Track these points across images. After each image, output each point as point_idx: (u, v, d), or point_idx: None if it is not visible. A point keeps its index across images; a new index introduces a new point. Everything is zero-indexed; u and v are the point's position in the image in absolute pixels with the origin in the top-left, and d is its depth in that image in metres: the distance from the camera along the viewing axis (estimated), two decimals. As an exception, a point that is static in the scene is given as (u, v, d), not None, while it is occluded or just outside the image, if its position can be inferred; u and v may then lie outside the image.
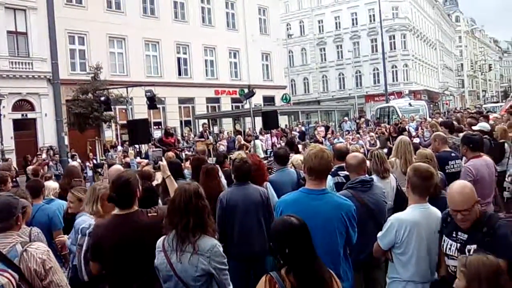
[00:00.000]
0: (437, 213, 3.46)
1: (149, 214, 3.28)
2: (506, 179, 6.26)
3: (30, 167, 11.39)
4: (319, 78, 55.71)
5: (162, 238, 2.97)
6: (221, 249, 2.93)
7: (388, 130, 15.68)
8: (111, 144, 22.26)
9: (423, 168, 3.46)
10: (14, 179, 12.48)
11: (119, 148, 20.16)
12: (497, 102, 51.89)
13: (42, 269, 2.78)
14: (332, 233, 3.20)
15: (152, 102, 17.26)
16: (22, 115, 23.09)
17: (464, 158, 5.80)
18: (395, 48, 50.89)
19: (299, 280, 2.36)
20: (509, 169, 6.28)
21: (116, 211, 3.30)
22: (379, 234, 3.50)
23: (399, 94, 42.85)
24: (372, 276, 4.23)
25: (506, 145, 7.54)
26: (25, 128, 23.24)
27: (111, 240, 3.18)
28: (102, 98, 18.47)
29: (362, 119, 29.39)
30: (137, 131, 12.15)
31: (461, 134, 7.00)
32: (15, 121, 22.61)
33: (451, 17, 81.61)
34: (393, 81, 49.68)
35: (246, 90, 21.03)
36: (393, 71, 50.58)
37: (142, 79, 25.86)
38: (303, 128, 26.08)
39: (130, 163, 8.22)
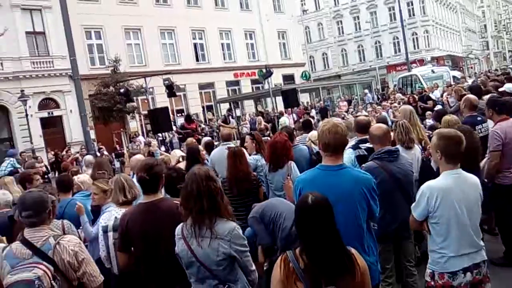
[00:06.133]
0: (473, 178, 3.33)
1: (174, 201, 3.29)
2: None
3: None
4: (338, 52, 54.78)
5: (180, 225, 2.97)
6: (240, 231, 2.92)
7: (408, 99, 15.34)
8: (134, 134, 22.62)
9: (452, 134, 3.32)
10: (45, 176, 12.86)
11: (139, 138, 20.47)
12: (526, 61, 50.02)
13: (75, 261, 2.86)
14: (353, 208, 3.13)
15: (171, 90, 17.39)
16: (49, 113, 23.74)
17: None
18: (414, 15, 49.46)
19: (311, 259, 2.31)
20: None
21: (142, 199, 3.36)
22: (412, 205, 3.42)
23: (421, 62, 41.82)
24: (402, 248, 4.20)
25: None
26: (52, 126, 23.93)
27: (138, 229, 3.23)
28: (122, 90, 18.77)
29: (396, 88, 28.82)
30: (159, 120, 12.28)
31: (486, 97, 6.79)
32: (42, 120, 23.32)
33: (471, -24, 78.57)
34: (414, 48, 48.47)
35: (264, 71, 20.86)
36: (413, 39, 49.27)
37: (160, 68, 26.00)
38: (324, 104, 25.83)
39: (154, 153, 8.34)
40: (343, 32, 54.22)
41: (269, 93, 22.51)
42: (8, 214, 5.23)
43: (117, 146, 20.09)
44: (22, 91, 20.37)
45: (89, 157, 8.80)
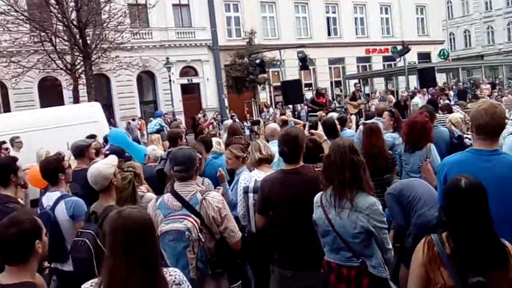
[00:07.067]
0: None
1: (315, 169, 3.34)
2: None
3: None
4: (483, 30, 49.45)
5: (320, 193, 3.01)
6: (380, 207, 2.88)
7: None
8: (265, 105, 23.50)
9: None
10: (184, 137, 14.03)
11: (271, 110, 21.24)
12: None
13: (219, 217, 3.09)
14: (507, 197, 2.86)
15: (304, 63, 17.57)
16: (188, 80, 25.80)
17: None
18: None
19: (459, 246, 2.19)
20: None
21: (283, 165, 3.48)
22: None
23: None
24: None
25: None
26: (190, 92, 26.01)
27: (279, 194, 3.34)
28: (257, 61, 19.43)
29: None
30: (290, 92, 12.52)
31: None
32: (182, 86, 25.48)
33: None
34: None
35: (399, 47, 19.87)
36: None
37: (292, 42, 26.27)
38: (463, 86, 23.80)
39: (288, 122, 8.54)
40: (491, 7, 48.60)
41: (401, 71, 21.47)
42: (156, 168, 5.86)
43: (247, 114, 21.10)
44: (167, 58, 22.39)
45: (228, 122, 9.33)
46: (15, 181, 3.95)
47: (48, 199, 3.74)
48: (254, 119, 18.98)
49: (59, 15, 15.46)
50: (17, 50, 16.72)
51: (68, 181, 3.97)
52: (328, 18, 31.04)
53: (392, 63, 30.32)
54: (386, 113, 6.23)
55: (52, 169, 3.83)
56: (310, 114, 6.06)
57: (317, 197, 3.04)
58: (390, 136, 5.76)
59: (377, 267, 2.89)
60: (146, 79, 25.56)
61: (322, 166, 3.08)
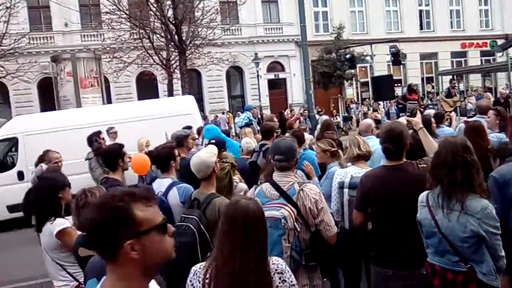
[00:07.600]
0: None
1: (419, 165, 3.23)
2: None
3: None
4: None
5: (425, 192, 2.87)
6: (493, 211, 2.70)
7: None
8: (351, 101, 23.10)
9: None
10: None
11: (359, 108, 20.85)
12: None
13: (315, 208, 3.09)
14: None
15: (397, 58, 16.95)
16: (275, 75, 26.12)
17: None
18: None
19: None
20: None
21: (384, 162, 3.39)
22: None
23: None
24: None
25: None
26: (277, 87, 26.31)
27: (381, 191, 3.26)
28: (348, 56, 19.07)
29: None
30: (381, 88, 12.20)
31: None
32: (269, 81, 25.85)
33: None
34: None
35: (499, 41, 18.41)
36: None
37: (382, 36, 25.49)
38: None
39: (381, 120, 8.34)
40: None
41: (503, 67, 19.91)
42: (249, 160, 6.01)
43: (333, 110, 20.89)
44: (255, 54, 22.75)
45: (324, 117, 9.33)
46: (122, 166, 4.29)
47: (160, 185, 3.95)
48: (346, 115, 18.73)
49: (157, 13, 16.33)
50: (119, 46, 17.96)
51: (177, 169, 4.16)
52: (420, 11, 29.64)
53: (491, 58, 28.26)
54: (491, 112, 5.83)
55: (165, 157, 4.06)
56: (409, 102, 5.85)
57: (422, 196, 2.91)
58: (495, 136, 5.38)
59: (487, 275, 2.71)
60: (234, 74, 26.25)
61: (426, 163, 2.96)
